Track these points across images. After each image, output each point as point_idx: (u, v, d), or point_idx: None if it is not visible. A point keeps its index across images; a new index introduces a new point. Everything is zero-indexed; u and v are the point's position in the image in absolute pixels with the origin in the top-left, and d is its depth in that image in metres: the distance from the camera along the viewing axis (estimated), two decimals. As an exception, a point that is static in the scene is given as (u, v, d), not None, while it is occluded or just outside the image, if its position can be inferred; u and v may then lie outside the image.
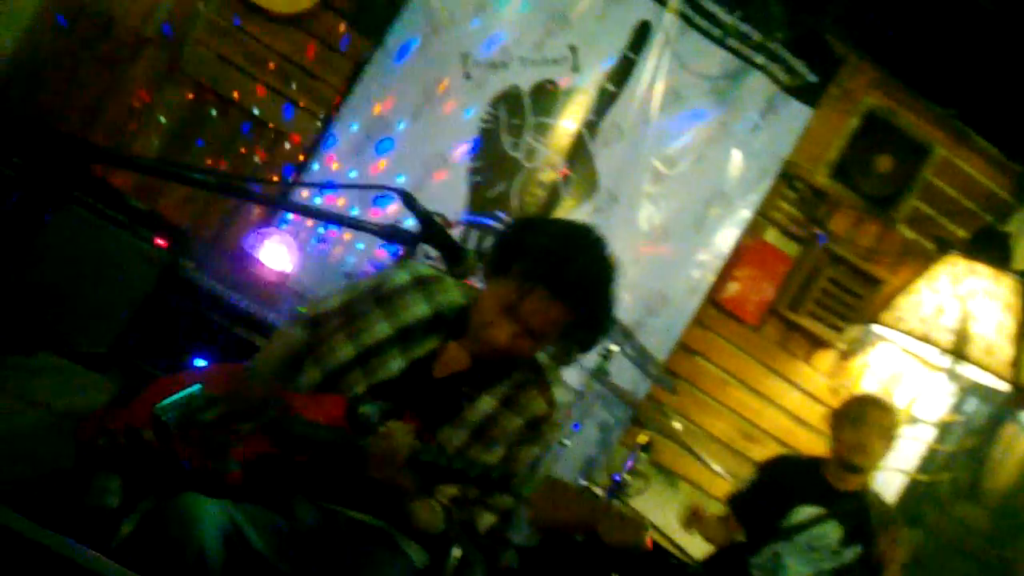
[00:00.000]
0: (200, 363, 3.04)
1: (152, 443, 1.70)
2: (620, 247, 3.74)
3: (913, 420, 4.00)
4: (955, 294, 3.75)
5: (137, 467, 1.75)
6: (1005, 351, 3.72)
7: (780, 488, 3.19)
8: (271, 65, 3.65)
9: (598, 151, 3.84)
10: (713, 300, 4.00)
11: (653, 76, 3.82)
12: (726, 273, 3.98)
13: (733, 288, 4.01)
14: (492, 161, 3.81)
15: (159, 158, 3.56)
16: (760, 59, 3.87)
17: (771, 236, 4.03)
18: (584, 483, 3.50)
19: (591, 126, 3.83)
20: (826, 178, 4.02)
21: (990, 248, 3.86)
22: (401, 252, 3.64)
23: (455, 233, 3.76)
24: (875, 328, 3.99)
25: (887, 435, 3.08)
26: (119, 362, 2.89)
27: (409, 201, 1.78)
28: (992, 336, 3.70)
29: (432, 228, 1.79)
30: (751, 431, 4.07)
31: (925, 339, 3.74)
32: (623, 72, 3.82)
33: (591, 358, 3.40)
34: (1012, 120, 3.94)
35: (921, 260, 4.03)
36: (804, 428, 4.08)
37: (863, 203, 4.05)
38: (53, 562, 0.94)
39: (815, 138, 3.98)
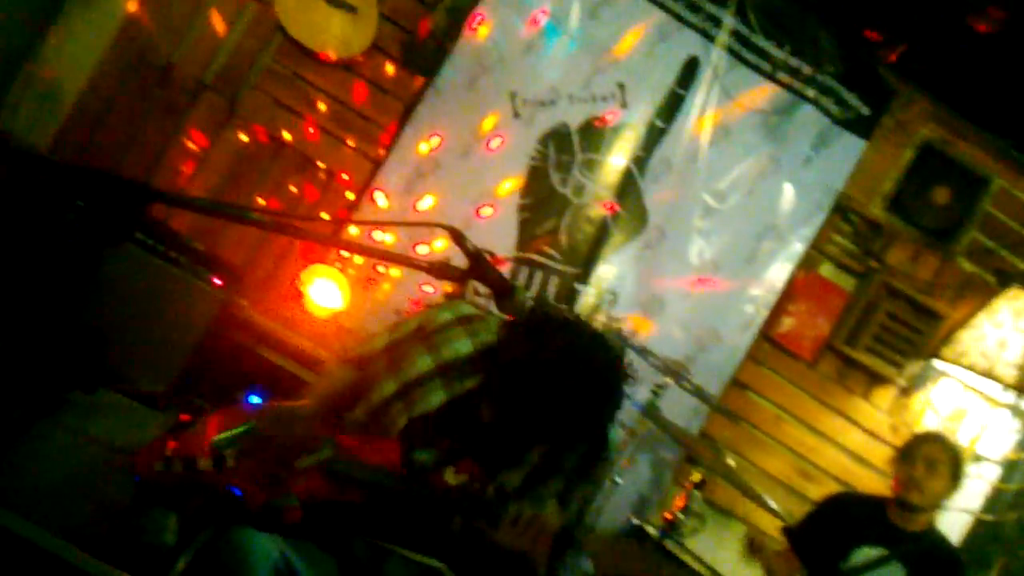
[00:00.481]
0: (254, 399, 3.08)
1: (208, 473, 1.72)
2: (670, 282, 3.81)
3: (977, 458, 3.87)
4: (1018, 327, 3.64)
5: (192, 498, 1.77)
6: (1073, 387, 3.60)
7: (841, 527, 3.11)
8: (323, 107, 3.73)
9: (647, 186, 3.83)
10: (767, 335, 3.94)
11: (702, 111, 3.81)
12: (780, 308, 3.92)
13: (787, 323, 3.94)
14: (541, 198, 3.82)
15: (214, 199, 3.64)
16: (811, 92, 3.84)
17: (826, 270, 3.97)
18: (636, 522, 3.44)
19: (640, 162, 3.83)
20: (882, 211, 3.95)
21: (1054, 280, 3.75)
22: (450, 289, 3.69)
23: (504, 270, 3.77)
24: (936, 363, 3.89)
25: (941, 472, 3.00)
26: (176, 400, 2.94)
27: (458, 238, 1.79)
28: (1059, 371, 3.58)
29: (481, 265, 1.80)
30: (808, 469, 3.98)
31: (988, 374, 3.63)
32: (672, 108, 3.81)
33: (643, 394, 3.37)
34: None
35: (982, 293, 3.92)
36: (864, 467, 3.97)
37: (920, 236, 3.97)
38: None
39: (870, 171, 3.93)
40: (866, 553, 3.01)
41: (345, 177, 3.76)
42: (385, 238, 3.69)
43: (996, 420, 3.90)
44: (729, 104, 3.82)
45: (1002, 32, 3.49)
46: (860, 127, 3.89)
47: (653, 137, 3.82)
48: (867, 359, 3.92)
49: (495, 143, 3.76)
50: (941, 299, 3.96)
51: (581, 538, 1.64)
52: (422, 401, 1.91)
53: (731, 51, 3.80)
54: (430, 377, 1.93)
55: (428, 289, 3.69)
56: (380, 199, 3.71)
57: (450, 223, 1.79)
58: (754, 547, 3.10)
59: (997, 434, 3.92)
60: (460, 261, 1.78)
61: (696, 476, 3.13)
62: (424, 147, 3.73)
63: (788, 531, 3.23)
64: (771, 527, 3.79)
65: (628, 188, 3.83)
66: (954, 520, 3.73)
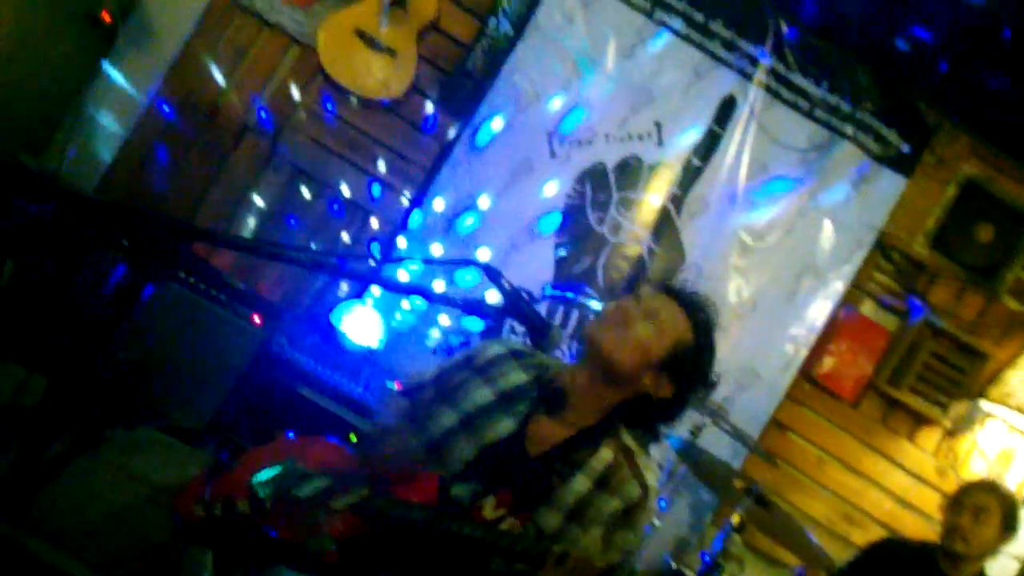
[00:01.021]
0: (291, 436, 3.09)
1: (246, 515, 1.73)
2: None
3: (1028, 502, 3.75)
4: (1068, 368, 3.54)
5: (230, 539, 1.77)
6: None
7: (888, 575, 3.03)
8: (361, 147, 3.78)
9: (684, 225, 3.82)
10: (807, 375, 3.87)
11: (739, 149, 3.80)
12: (820, 347, 3.86)
13: (828, 363, 3.88)
14: (577, 236, 3.82)
15: (256, 238, 3.70)
16: (850, 129, 3.82)
17: (867, 309, 3.91)
18: (673, 565, 3.38)
19: (677, 200, 3.82)
20: (924, 248, 3.90)
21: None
22: (485, 325, 3.70)
23: (540, 308, 3.77)
24: (982, 404, 3.80)
25: (990, 521, 2.92)
26: (215, 437, 2.96)
27: (494, 276, 1.80)
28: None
29: (517, 303, 1.80)
30: (852, 513, 3.88)
31: (1037, 416, 3.53)
32: (709, 146, 3.81)
33: (679, 434, 3.32)
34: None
35: (1029, 332, 3.84)
36: (910, 511, 3.87)
37: (964, 274, 3.90)
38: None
39: (911, 208, 3.88)
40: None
41: (383, 215, 3.80)
42: (422, 273, 3.71)
43: (1047, 463, 3.79)
44: (767, 142, 3.81)
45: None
46: (901, 164, 3.85)
47: (690, 175, 3.82)
48: (911, 400, 3.84)
49: (531, 182, 3.78)
50: (986, 338, 3.87)
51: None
52: (490, 430, 1.91)
53: (768, 89, 3.80)
54: (492, 407, 1.94)
55: (464, 326, 3.70)
56: (417, 236, 3.74)
57: (486, 261, 1.80)
58: None
59: (1048, 478, 3.81)
60: (496, 298, 1.79)
61: (735, 518, 3.07)
62: (462, 186, 3.76)
63: None
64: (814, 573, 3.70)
65: (665, 226, 3.82)
66: (1005, 567, 3.61)
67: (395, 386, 3.30)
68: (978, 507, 2.95)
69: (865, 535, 3.72)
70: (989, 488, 3.04)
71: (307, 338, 3.33)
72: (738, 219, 3.81)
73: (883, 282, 3.91)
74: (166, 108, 3.70)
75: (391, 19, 3.65)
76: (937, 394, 3.85)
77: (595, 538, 1.83)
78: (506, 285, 1.81)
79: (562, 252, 3.82)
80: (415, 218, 3.76)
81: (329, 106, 3.76)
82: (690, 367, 1.90)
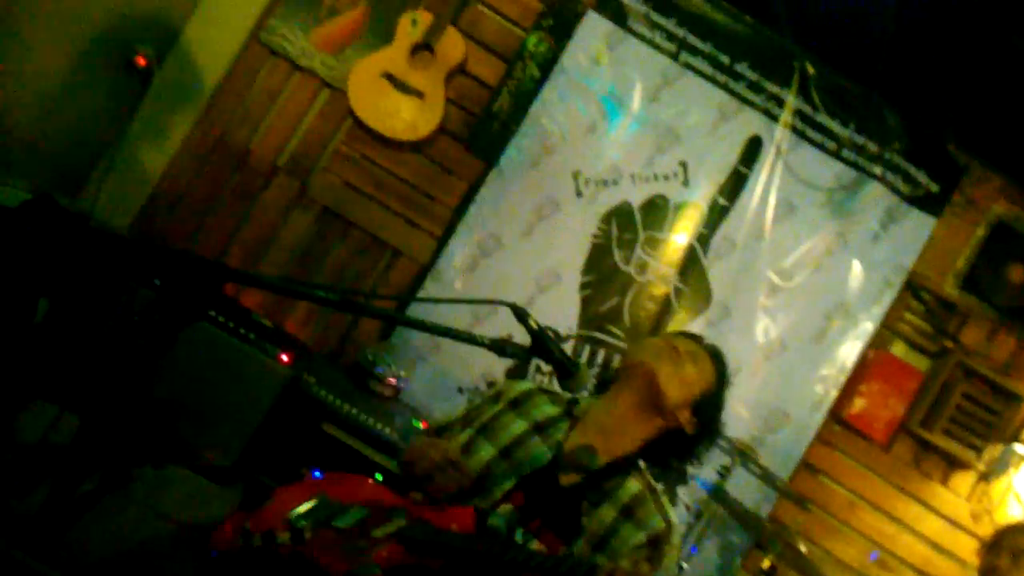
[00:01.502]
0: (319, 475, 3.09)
1: (287, 546, 1.73)
2: (735, 361, 3.71)
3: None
4: (1106, 411, 3.47)
5: (273, 572, 1.78)
6: None
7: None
8: (390, 188, 3.82)
9: (711, 264, 3.82)
10: (838, 416, 3.82)
11: (766, 189, 3.80)
12: (851, 388, 3.81)
13: (859, 404, 3.83)
14: (603, 275, 3.82)
15: (284, 277, 3.73)
16: (878, 169, 3.81)
17: (898, 349, 3.86)
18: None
19: (703, 240, 3.82)
20: (955, 289, 3.86)
21: None
22: (511, 364, 3.69)
23: (566, 347, 3.77)
24: (1017, 447, 3.72)
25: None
26: (243, 475, 2.97)
27: (521, 316, 1.81)
28: None
29: (544, 342, 1.81)
30: (885, 558, 3.80)
31: (1075, 460, 3.46)
32: (735, 186, 3.82)
33: (709, 475, 3.29)
34: None
35: (1064, 374, 3.77)
36: (944, 556, 3.78)
37: (996, 315, 3.85)
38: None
39: (941, 248, 3.85)
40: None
41: (410, 255, 3.83)
42: (448, 315, 3.72)
43: (1086, 508, 3.69)
44: (793, 182, 3.81)
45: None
46: (930, 204, 3.83)
47: (716, 215, 3.82)
48: (944, 442, 3.77)
49: (557, 222, 3.80)
50: (1019, 380, 3.80)
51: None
52: (528, 458, 1.93)
53: (794, 130, 3.81)
54: (527, 435, 1.97)
55: (491, 366, 3.70)
56: (444, 275, 3.76)
57: (513, 301, 1.81)
58: None
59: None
60: (522, 338, 1.80)
61: (766, 563, 3.03)
62: (488, 226, 3.79)
63: None
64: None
65: (691, 266, 3.82)
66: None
67: (421, 425, 3.31)
68: (1017, 549, 2.90)
69: (899, 581, 3.64)
70: (1016, 528, 3.00)
71: (335, 376, 3.34)
72: (765, 259, 3.80)
73: (914, 323, 3.87)
74: (199, 149, 3.77)
75: (419, 63, 3.71)
76: (971, 437, 3.78)
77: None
78: (533, 324, 1.82)
79: (588, 291, 3.82)
80: (442, 257, 3.78)
81: (357, 147, 3.81)
82: (713, 411, 2.02)
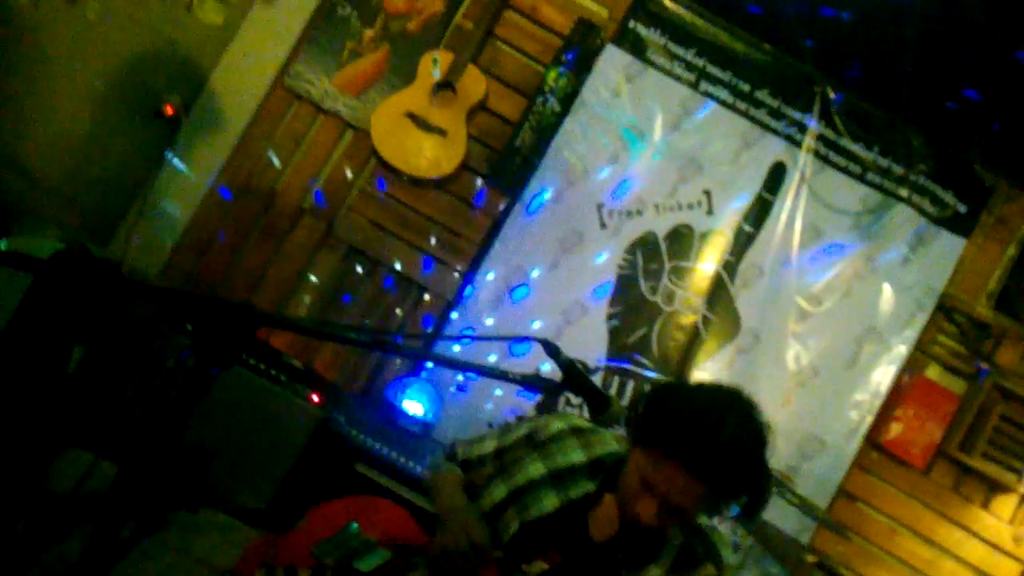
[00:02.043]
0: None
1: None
2: (767, 388, 3.70)
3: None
4: None
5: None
6: None
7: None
8: (413, 224, 3.85)
9: (739, 292, 3.79)
10: (874, 442, 3.77)
11: (791, 215, 3.79)
12: (886, 413, 3.76)
13: (896, 429, 3.77)
14: (630, 306, 3.81)
15: (313, 319, 3.76)
16: (904, 192, 3.78)
17: (933, 373, 3.81)
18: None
19: (730, 267, 3.80)
20: (987, 309, 3.80)
21: None
22: (540, 398, 3.68)
23: (595, 378, 3.75)
24: (1060, 470, 3.64)
25: None
26: (276, 516, 2.97)
27: (551, 350, 1.80)
28: None
29: (575, 376, 1.79)
30: (928, 586, 3.73)
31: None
32: (760, 212, 3.80)
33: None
34: None
35: (1106, 393, 3.69)
36: (989, 583, 3.70)
37: (1031, 334, 3.79)
38: None
39: (972, 269, 3.81)
40: None
41: (437, 291, 3.84)
42: (477, 350, 3.72)
43: None
44: (819, 207, 3.79)
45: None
46: (958, 225, 3.79)
47: (742, 242, 3.80)
48: (983, 466, 3.70)
49: (582, 253, 3.80)
50: (1060, 400, 3.74)
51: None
52: (535, 505, 1.88)
53: (818, 155, 3.79)
54: (542, 482, 1.91)
55: (521, 401, 3.69)
56: (470, 311, 3.77)
57: (541, 334, 1.81)
58: None
59: None
60: (551, 370, 1.79)
61: (807, 594, 2.96)
62: (513, 260, 3.79)
63: None
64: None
65: (719, 294, 3.80)
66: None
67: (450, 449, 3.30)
68: None
69: (944, 610, 3.56)
70: None
71: (364, 415, 3.34)
72: (794, 284, 3.77)
73: (947, 345, 3.82)
74: (226, 194, 3.82)
75: (440, 101, 3.75)
76: (1011, 459, 3.71)
77: None
78: (564, 359, 1.81)
79: (615, 322, 3.81)
80: (468, 293, 3.79)
81: (382, 186, 3.85)
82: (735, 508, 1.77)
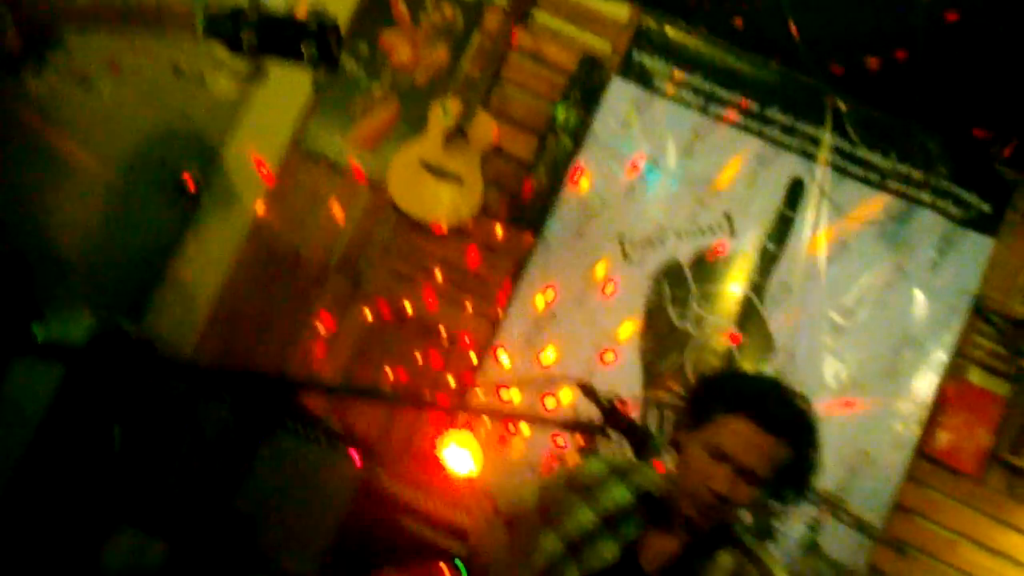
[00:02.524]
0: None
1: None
2: (809, 408, 3.65)
3: None
4: None
5: None
6: None
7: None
8: (439, 274, 3.86)
9: (769, 312, 3.76)
10: (924, 453, 3.69)
11: (814, 230, 3.77)
12: (933, 422, 3.69)
13: (944, 437, 3.70)
14: (661, 336, 3.79)
15: (346, 377, 3.77)
16: (926, 196, 3.75)
17: (975, 376, 3.74)
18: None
19: (758, 288, 3.78)
20: (1023, 306, 3.74)
21: None
22: (584, 441, 3.65)
23: (633, 412, 3.72)
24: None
25: None
26: (325, 580, 2.96)
27: (589, 392, 1.81)
28: None
29: (615, 415, 1.79)
30: (992, 594, 3.63)
31: None
32: (782, 230, 3.79)
33: (798, 530, 3.19)
34: None
35: None
36: (1058, 587, 3.59)
37: (1071, 329, 3.72)
38: None
39: (1003, 267, 3.75)
40: None
41: (466, 339, 3.84)
42: (512, 395, 3.71)
43: None
44: (842, 219, 3.76)
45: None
46: (984, 225, 3.75)
47: (767, 262, 3.78)
48: (1037, 466, 3.62)
49: (609, 288, 3.80)
50: (1108, 392, 3.66)
51: None
52: (595, 556, 1.86)
53: (834, 167, 3.78)
54: (596, 531, 1.90)
55: (561, 442, 3.66)
56: (502, 357, 3.76)
57: (574, 372, 1.83)
58: None
59: None
60: (587, 406, 1.80)
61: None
62: (540, 300, 3.79)
63: None
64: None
65: (749, 315, 3.77)
66: None
67: (490, 505, 3.27)
68: None
69: (1014, 620, 3.46)
70: None
71: (406, 469, 3.33)
72: (825, 300, 3.74)
73: (986, 347, 3.76)
74: (252, 261, 3.86)
75: (454, 148, 3.78)
76: (1064, 457, 3.63)
77: None
78: (602, 399, 1.81)
79: (648, 354, 3.79)
80: (499, 335, 3.78)
81: (404, 238, 3.87)
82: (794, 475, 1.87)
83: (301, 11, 1.76)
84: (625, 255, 3.82)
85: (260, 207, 3.87)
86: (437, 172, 3.78)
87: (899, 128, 3.79)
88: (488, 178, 3.84)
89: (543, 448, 3.68)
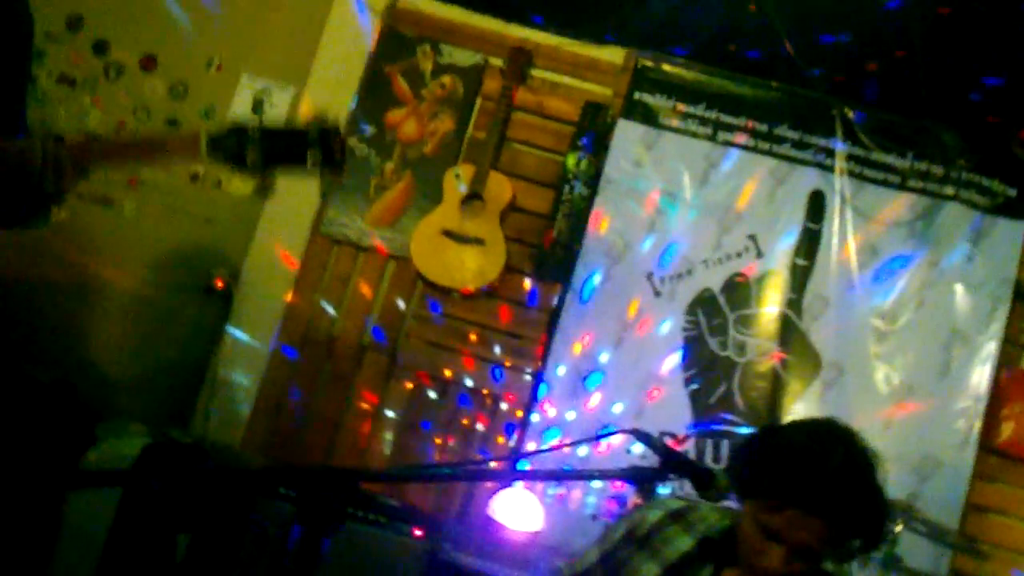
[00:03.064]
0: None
1: None
2: (863, 417, 3.59)
3: None
4: None
5: None
6: None
7: None
8: (473, 337, 3.87)
9: (809, 327, 3.72)
10: (989, 447, 3.60)
11: (841, 239, 3.74)
12: (993, 414, 3.60)
13: (1007, 429, 3.61)
14: (705, 366, 3.76)
15: (396, 456, 3.77)
16: (949, 190, 3.72)
17: (1028, 363, 3.67)
18: None
19: (794, 304, 3.75)
20: (1066, 286, 3.68)
21: None
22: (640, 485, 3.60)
23: (687, 446, 3.68)
24: None
25: None
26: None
27: (644, 438, 1.78)
28: None
29: (672, 457, 1.76)
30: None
31: None
32: (810, 244, 3.76)
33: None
34: None
35: None
36: None
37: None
38: None
39: (1038, 250, 3.70)
40: None
41: (510, 397, 3.83)
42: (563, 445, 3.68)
43: None
44: (867, 224, 3.74)
45: None
46: (1013, 209, 3.70)
47: (800, 277, 3.76)
48: (1109, 447, 3.52)
49: (644, 326, 3.78)
50: None
51: None
52: None
53: (852, 174, 3.76)
54: None
55: (621, 489, 3.61)
56: (549, 410, 3.74)
57: (622, 415, 1.79)
58: None
59: None
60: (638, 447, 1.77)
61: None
62: (578, 348, 3.78)
63: None
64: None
65: (790, 333, 3.73)
66: None
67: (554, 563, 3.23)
68: None
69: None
70: None
71: (469, 537, 3.30)
72: (864, 307, 3.69)
73: (1036, 331, 3.69)
74: (289, 352, 3.90)
75: (471, 212, 3.82)
76: None
77: None
78: (658, 444, 1.78)
79: (694, 386, 3.75)
80: (543, 391, 3.77)
81: (435, 307, 3.89)
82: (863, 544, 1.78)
83: (304, 111, 1.80)
84: (656, 291, 3.81)
85: (289, 295, 3.92)
86: (458, 238, 3.81)
87: (912, 127, 3.78)
88: (510, 235, 3.87)
89: (600, 492, 3.64)
